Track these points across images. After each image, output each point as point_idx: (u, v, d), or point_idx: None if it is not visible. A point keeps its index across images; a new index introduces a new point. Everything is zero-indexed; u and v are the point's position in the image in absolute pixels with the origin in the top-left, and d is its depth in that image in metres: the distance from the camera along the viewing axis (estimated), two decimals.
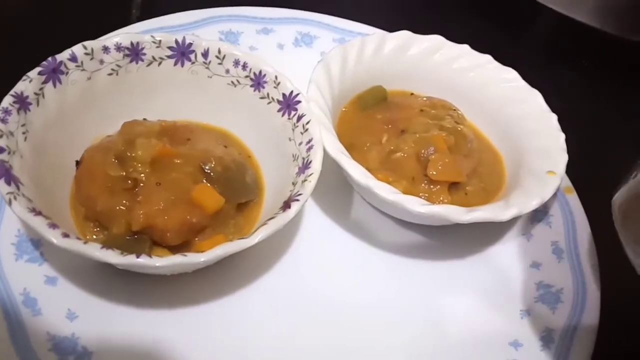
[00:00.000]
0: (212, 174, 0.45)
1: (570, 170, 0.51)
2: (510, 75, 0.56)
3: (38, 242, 0.44)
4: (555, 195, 0.55)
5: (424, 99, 0.57)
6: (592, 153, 0.65)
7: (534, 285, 0.50)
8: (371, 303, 0.47)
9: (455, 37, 0.58)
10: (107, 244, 0.38)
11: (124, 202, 0.43)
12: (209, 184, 0.45)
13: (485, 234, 0.52)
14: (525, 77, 0.56)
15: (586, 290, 0.49)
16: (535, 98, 0.55)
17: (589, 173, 0.57)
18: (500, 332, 0.47)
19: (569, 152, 0.51)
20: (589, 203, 0.55)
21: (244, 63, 0.50)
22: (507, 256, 0.51)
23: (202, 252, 0.39)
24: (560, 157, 0.50)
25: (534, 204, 0.46)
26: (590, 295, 0.49)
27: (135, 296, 0.43)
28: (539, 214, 0.54)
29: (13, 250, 0.43)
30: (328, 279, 0.48)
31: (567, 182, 0.56)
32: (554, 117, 0.53)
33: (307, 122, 0.48)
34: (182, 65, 0.50)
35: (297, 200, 0.43)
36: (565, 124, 0.53)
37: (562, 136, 0.52)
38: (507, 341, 0.46)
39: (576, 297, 0.49)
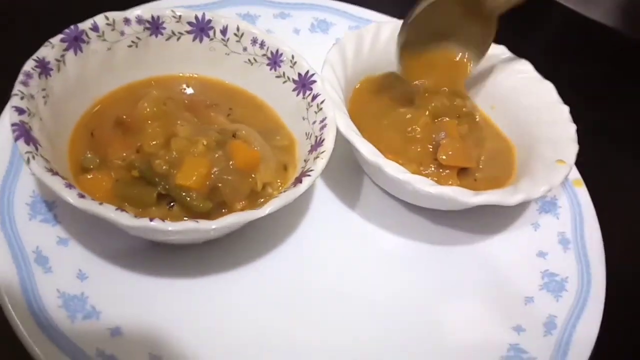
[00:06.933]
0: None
1: (580, 164, 0.52)
2: (524, 66, 0.56)
3: (52, 204, 0.44)
4: (564, 187, 0.55)
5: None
6: (602, 149, 0.65)
7: (539, 274, 0.50)
8: (375, 284, 0.48)
9: None
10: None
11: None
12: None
13: (492, 222, 0.52)
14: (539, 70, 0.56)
15: (591, 280, 0.49)
16: (548, 89, 0.55)
17: (598, 169, 0.57)
18: (503, 316, 0.47)
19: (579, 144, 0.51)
20: (597, 197, 0.55)
21: (262, 41, 0.51)
22: (514, 244, 0.52)
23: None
24: (570, 147, 0.50)
25: (542, 190, 0.47)
26: (595, 285, 0.49)
27: (145, 262, 0.44)
28: (547, 205, 0.54)
29: (27, 210, 0.44)
30: (333, 257, 0.49)
31: (577, 176, 0.56)
32: (566, 108, 0.53)
33: (322, 102, 0.48)
34: (201, 41, 0.51)
35: (309, 175, 0.43)
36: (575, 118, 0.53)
37: (573, 127, 0.52)
38: (510, 325, 0.46)
39: (581, 286, 0.49)
